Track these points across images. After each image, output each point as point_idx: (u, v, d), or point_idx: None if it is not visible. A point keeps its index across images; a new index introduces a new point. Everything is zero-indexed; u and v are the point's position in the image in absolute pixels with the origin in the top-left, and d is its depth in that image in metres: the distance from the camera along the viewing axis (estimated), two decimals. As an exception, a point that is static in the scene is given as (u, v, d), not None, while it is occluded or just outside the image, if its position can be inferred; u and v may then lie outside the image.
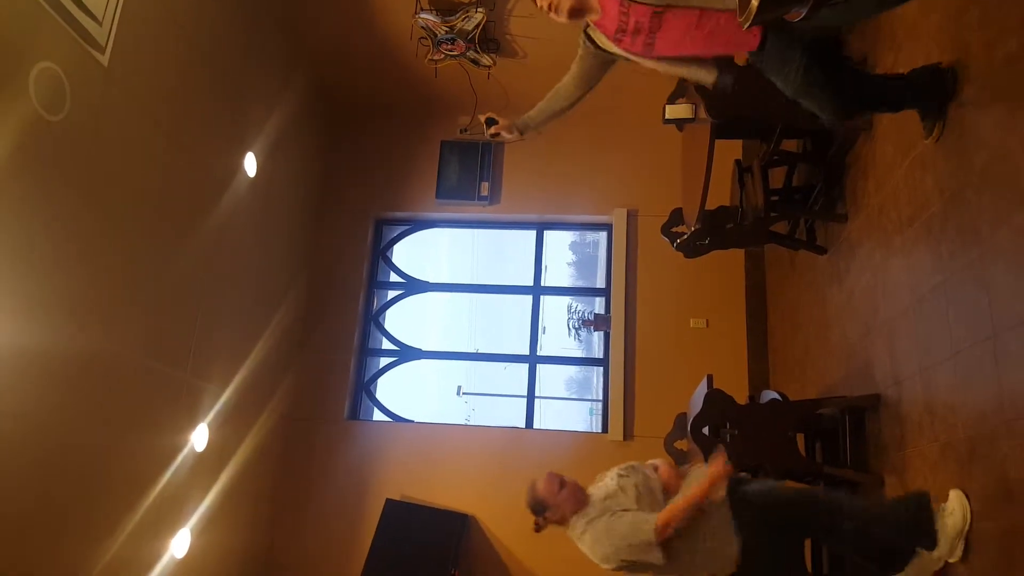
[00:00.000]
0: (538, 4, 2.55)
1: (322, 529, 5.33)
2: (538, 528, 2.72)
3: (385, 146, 6.16)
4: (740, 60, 2.60)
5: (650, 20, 2.38)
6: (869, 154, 3.36)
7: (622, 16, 2.41)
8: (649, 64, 2.58)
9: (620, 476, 2.73)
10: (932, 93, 2.62)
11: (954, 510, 2.43)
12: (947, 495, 2.49)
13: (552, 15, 2.56)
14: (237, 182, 4.80)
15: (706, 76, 2.54)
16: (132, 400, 3.86)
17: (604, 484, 2.74)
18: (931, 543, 2.44)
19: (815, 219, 4.05)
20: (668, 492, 2.69)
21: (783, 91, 2.53)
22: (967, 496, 2.42)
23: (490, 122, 3.03)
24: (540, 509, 2.69)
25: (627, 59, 2.62)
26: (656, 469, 2.80)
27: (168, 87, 4.06)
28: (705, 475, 2.54)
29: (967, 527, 2.39)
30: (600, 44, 2.65)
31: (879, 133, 3.27)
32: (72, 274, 3.40)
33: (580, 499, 2.67)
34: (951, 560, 2.43)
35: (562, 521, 2.67)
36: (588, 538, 2.58)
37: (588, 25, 2.65)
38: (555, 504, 2.65)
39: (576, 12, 2.53)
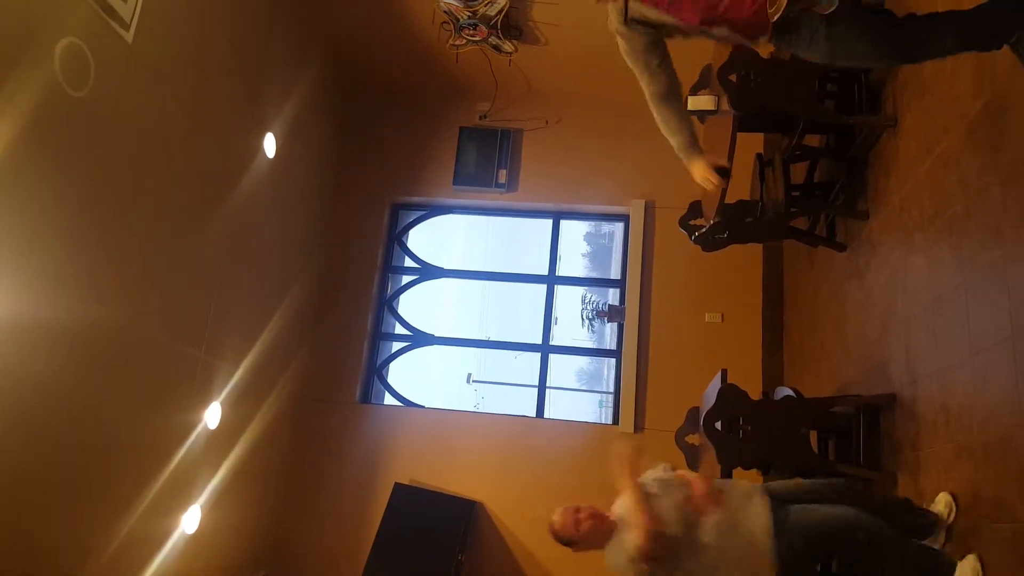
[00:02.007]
0: None
1: (331, 510, 5.37)
2: (577, 549, 2.64)
3: (403, 130, 6.15)
4: (764, 53, 2.53)
5: None
6: (892, 150, 3.32)
7: None
8: (694, 31, 2.36)
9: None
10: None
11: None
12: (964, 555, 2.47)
13: None
14: (256, 163, 4.82)
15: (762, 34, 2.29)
16: (148, 376, 3.90)
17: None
18: None
19: (835, 215, 4.01)
20: (700, 509, 2.54)
21: (817, 57, 2.29)
22: (981, 563, 2.41)
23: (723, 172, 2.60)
24: (568, 543, 2.61)
25: (672, 25, 2.36)
26: (686, 482, 2.68)
27: (190, 65, 4.07)
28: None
29: None
30: (645, 18, 2.37)
31: (903, 129, 3.23)
32: (90, 250, 3.43)
33: (606, 527, 2.57)
34: None
35: (598, 547, 2.60)
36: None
37: (627, 13, 2.37)
38: (580, 539, 2.57)
39: None
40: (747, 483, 2.64)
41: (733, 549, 2.44)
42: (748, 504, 2.52)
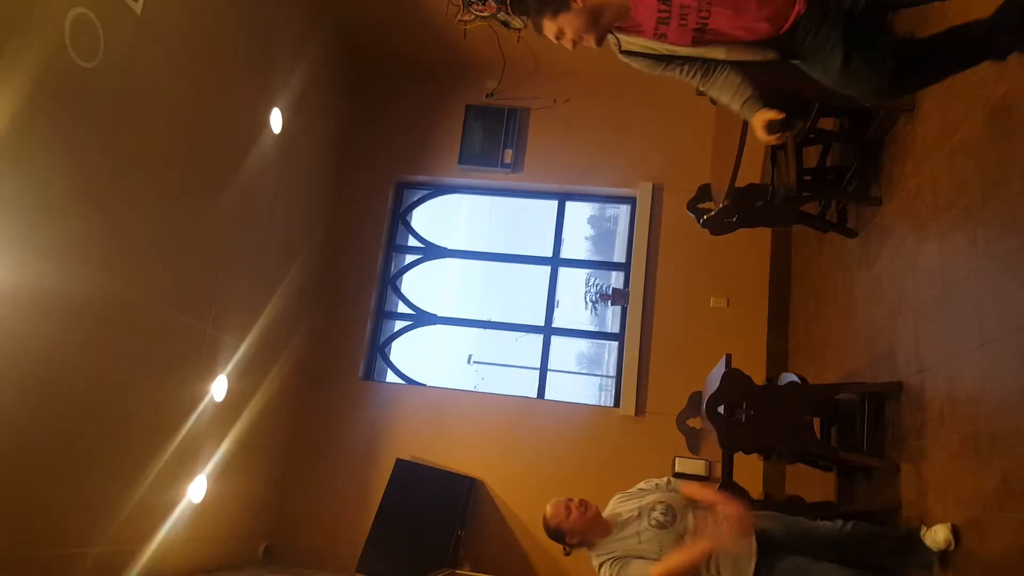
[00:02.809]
0: (566, 40, 2.25)
1: (333, 484, 5.40)
2: (567, 553, 2.73)
3: (409, 108, 6.10)
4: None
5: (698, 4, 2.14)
6: (909, 136, 3.28)
7: (662, 5, 2.16)
8: (704, 53, 2.28)
9: (640, 501, 2.70)
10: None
11: None
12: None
13: (584, 43, 2.26)
14: (263, 137, 4.79)
15: (767, 54, 2.26)
16: (155, 348, 3.91)
17: (625, 507, 2.71)
18: None
19: (848, 201, 3.97)
20: (696, 520, 2.61)
21: (823, 79, 2.25)
22: (955, 535, 2.51)
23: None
24: (559, 536, 2.68)
25: (667, 53, 2.31)
26: (681, 491, 2.75)
27: (198, 38, 4.03)
28: (713, 532, 2.49)
29: None
30: (641, 50, 2.33)
31: (921, 114, 3.19)
32: (98, 221, 3.42)
33: (597, 523, 2.65)
34: None
35: (586, 544, 2.67)
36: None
37: (620, 43, 2.34)
38: (570, 529, 2.64)
39: (606, 24, 2.25)
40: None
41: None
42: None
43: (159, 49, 3.71)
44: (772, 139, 2.28)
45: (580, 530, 2.64)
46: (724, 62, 2.30)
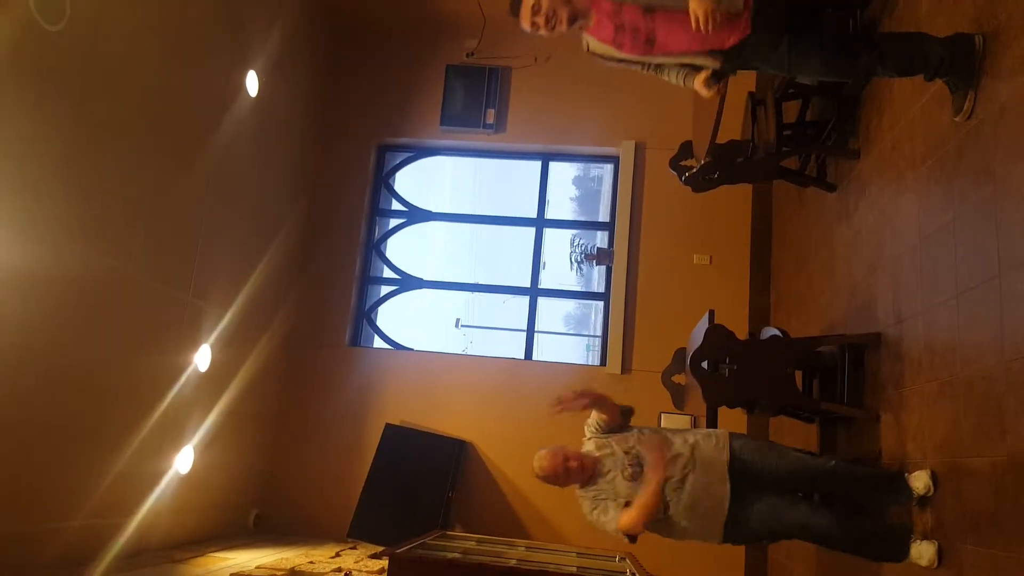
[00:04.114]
0: (534, 23, 2.56)
1: (323, 450, 5.44)
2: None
3: (389, 69, 6.01)
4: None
5: (643, 19, 2.51)
6: (886, 90, 3.28)
7: (615, 15, 2.53)
8: (657, 61, 2.66)
9: (609, 447, 2.83)
10: (960, 63, 2.48)
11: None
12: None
13: (554, 30, 2.57)
14: (239, 101, 4.72)
15: (712, 62, 2.61)
16: (136, 319, 3.89)
17: (606, 452, 2.82)
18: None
19: (827, 155, 3.98)
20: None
21: (780, 71, 2.70)
22: (934, 480, 2.63)
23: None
24: (554, 482, 2.80)
25: (626, 59, 2.67)
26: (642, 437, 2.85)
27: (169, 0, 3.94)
28: (652, 462, 2.63)
29: None
30: (605, 55, 2.68)
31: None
32: (72, 190, 3.37)
33: (586, 466, 2.76)
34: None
35: (580, 483, 2.81)
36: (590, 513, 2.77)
37: (588, 45, 2.70)
38: (562, 478, 2.77)
39: (572, 18, 2.57)
40: (714, 456, 2.76)
41: (690, 528, 2.69)
42: (709, 489, 2.67)
43: (128, 10, 3.63)
44: (711, 93, 2.64)
45: (573, 478, 2.77)
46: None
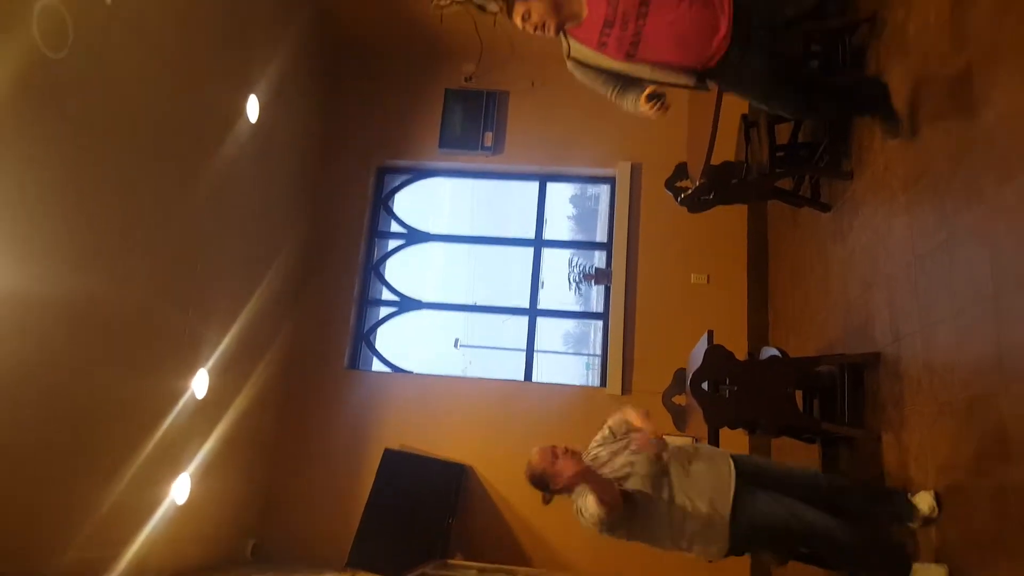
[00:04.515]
0: (524, 25, 2.65)
1: (321, 477, 5.39)
2: (546, 501, 2.76)
3: (388, 93, 6.06)
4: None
5: (637, 8, 2.54)
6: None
7: (610, 5, 2.55)
8: (633, 70, 2.71)
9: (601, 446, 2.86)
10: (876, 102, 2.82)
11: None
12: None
13: (541, 31, 2.66)
14: (240, 125, 4.75)
15: (686, 80, 2.71)
16: (133, 344, 3.88)
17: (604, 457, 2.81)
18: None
19: (820, 176, 4.01)
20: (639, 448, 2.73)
21: (750, 97, 2.92)
22: (938, 501, 2.59)
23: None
24: (542, 483, 2.68)
25: (609, 68, 2.73)
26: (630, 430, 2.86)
27: (171, 24, 3.99)
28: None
29: None
30: (583, 60, 2.75)
31: (888, 89, 3.21)
32: (72, 214, 3.38)
33: (576, 452, 2.71)
34: None
35: (567, 490, 2.69)
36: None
37: (569, 49, 2.75)
38: (554, 473, 2.64)
39: (559, 27, 2.66)
40: (715, 449, 2.81)
41: (696, 512, 2.60)
42: (715, 470, 2.66)
43: (131, 38, 3.66)
44: (653, 111, 2.67)
45: (565, 478, 2.63)
46: (640, 83, 2.72)
